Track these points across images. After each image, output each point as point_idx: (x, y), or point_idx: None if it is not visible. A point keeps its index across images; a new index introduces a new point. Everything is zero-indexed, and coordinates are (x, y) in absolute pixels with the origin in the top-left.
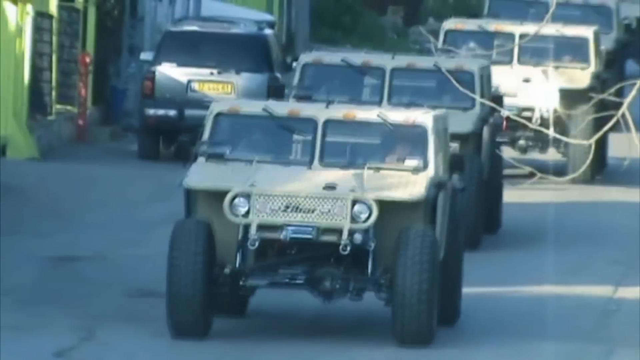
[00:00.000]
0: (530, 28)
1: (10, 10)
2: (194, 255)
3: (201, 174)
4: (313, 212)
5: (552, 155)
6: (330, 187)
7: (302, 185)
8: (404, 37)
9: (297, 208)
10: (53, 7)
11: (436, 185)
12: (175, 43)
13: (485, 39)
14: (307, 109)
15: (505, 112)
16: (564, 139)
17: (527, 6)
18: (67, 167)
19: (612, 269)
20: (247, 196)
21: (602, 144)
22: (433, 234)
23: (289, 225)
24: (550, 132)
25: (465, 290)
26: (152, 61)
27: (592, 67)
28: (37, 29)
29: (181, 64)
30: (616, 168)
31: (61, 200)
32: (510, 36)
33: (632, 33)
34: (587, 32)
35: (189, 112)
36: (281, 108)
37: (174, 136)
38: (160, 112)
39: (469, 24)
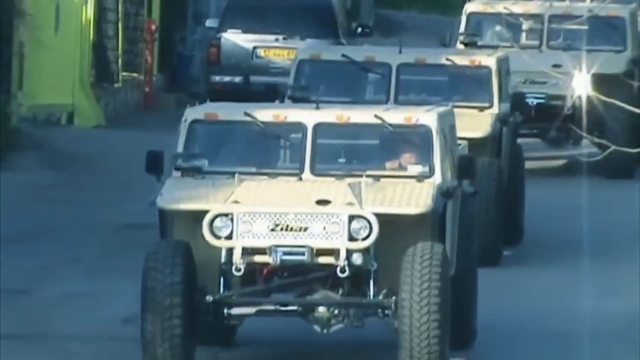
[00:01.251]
0: (560, 9)
1: None
2: (171, 283)
3: (176, 192)
4: (305, 231)
5: (586, 147)
6: (324, 201)
7: (292, 201)
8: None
9: (287, 227)
10: None
11: (444, 194)
12: (240, 9)
13: (512, 21)
14: (294, 113)
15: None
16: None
17: None
18: (134, 135)
19: None
20: (229, 216)
21: None
22: (442, 250)
23: (279, 247)
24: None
25: (484, 310)
26: (218, 28)
27: (629, 50)
28: None
29: (246, 30)
30: None
31: (128, 168)
32: (539, 18)
33: None
34: (622, 11)
35: (254, 79)
36: (265, 113)
37: (240, 102)
38: (226, 78)
39: (494, 6)
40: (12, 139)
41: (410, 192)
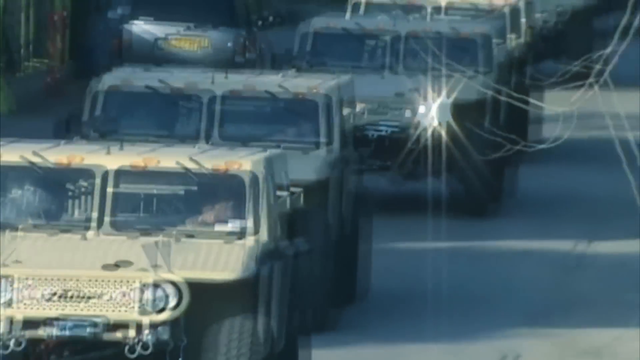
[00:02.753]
0: (408, 27)
1: None
2: None
3: None
4: (89, 300)
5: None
6: (112, 265)
7: (75, 263)
8: None
9: (69, 295)
10: None
11: (266, 255)
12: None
13: (354, 40)
14: (88, 156)
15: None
16: None
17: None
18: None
19: None
20: (10, 278)
21: (502, 167)
22: (253, 327)
23: (59, 320)
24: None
25: None
26: (122, 18)
27: (485, 74)
28: None
29: (151, 20)
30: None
31: None
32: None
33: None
34: (479, 30)
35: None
36: (53, 155)
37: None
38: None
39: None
40: None
41: (222, 253)
